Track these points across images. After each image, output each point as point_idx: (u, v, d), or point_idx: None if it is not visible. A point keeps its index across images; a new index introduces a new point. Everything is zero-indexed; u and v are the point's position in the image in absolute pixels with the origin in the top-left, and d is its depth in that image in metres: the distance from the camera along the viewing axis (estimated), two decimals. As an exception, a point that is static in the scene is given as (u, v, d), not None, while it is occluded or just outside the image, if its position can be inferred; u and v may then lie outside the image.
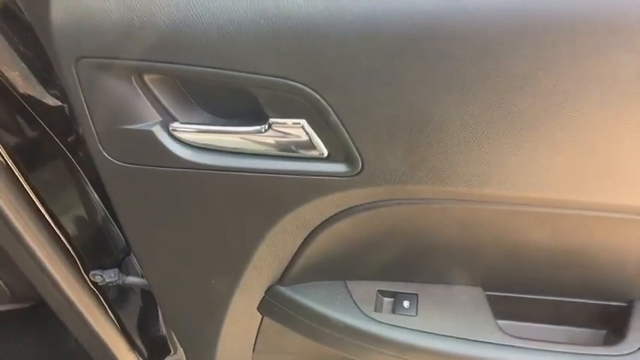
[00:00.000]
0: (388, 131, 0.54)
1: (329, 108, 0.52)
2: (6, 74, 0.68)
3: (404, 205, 0.63)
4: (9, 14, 0.63)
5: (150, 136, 0.58)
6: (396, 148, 0.55)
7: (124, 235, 0.92)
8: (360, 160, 0.57)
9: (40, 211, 0.81)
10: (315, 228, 0.69)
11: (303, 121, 0.55)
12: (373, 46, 0.49)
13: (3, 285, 1.27)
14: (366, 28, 0.48)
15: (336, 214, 0.66)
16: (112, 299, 1.01)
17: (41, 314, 1.33)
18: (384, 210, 0.64)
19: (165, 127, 0.59)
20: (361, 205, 0.64)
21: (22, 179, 0.76)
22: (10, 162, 0.73)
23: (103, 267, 0.95)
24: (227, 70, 0.52)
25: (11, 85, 0.69)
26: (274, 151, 0.59)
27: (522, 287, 0.77)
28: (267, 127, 0.57)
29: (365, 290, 0.80)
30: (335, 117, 0.53)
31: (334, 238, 0.70)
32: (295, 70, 0.51)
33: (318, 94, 0.52)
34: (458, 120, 0.52)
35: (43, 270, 0.86)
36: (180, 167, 0.61)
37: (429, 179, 0.57)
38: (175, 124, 0.59)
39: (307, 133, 0.56)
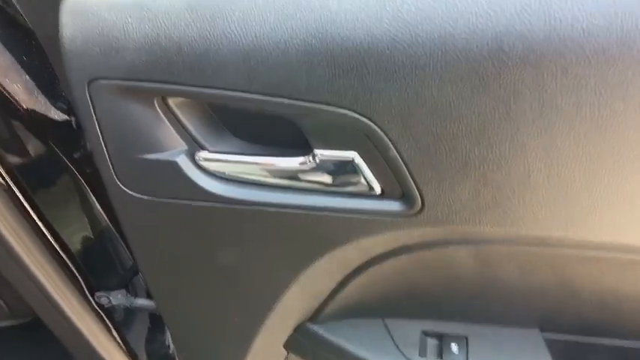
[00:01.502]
0: (457, 170, 0.47)
1: (388, 141, 0.45)
2: (7, 86, 0.62)
3: (463, 245, 0.57)
4: (10, 21, 0.57)
5: (173, 166, 0.52)
6: (465, 188, 0.48)
7: (132, 256, 0.88)
8: (419, 198, 0.50)
9: (40, 229, 0.76)
10: (357, 267, 0.62)
11: (355, 154, 0.49)
12: (447, 75, 0.42)
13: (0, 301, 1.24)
14: (439, 55, 0.41)
15: (382, 254, 0.60)
16: (119, 322, 0.96)
17: (43, 328, 1.30)
18: (439, 250, 0.58)
19: (191, 156, 0.52)
20: (414, 245, 0.57)
21: (20, 195, 0.71)
22: (7, 177, 0.68)
23: (110, 288, 0.90)
24: (267, 95, 0.45)
25: (13, 97, 0.64)
26: (317, 186, 0.52)
27: (584, 329, 0.71)
28: (310, 158, 0.50)
29: (407, 330, 0.73)
30: (395, 152, 0.46)
31: (377, 276, 0.64)
32: (349, 98, 0.44)
33: (377, 126, 0.45)
34: (539, 160, 0.45)
35: (42, 290, 0.81)
36: (207, 201, 0.54)
37: (499, 222, 0.51)
38: (203, 153, 0.52)
39: (358, 168, 0.49)
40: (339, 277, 0.64)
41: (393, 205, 0.52)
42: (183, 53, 0.44)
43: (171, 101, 0.49)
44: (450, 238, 0.55)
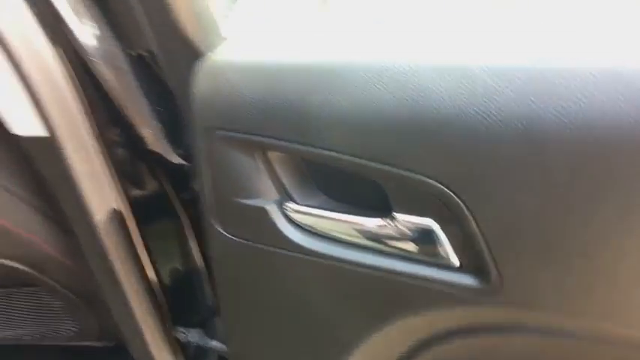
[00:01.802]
0: (539, 251, 0.46)
1: (469, 214, 0.47)
2: (140, 129, 0.73)
3: (538, 334, 0.54)
4: (152, 75, 0.67)
5: (263, 213, 0.57)
6: (547, 272, 0.47)
7: (216, 297, 0.93)
8: (497, 276, 0.49)
9: (141, 260, 0.84)
10: (424, 341, 0.61)
11: (433, 223, 0.50)
12: (534, 155, 0.43)
13: (94, 321, 1.33)
14: (527, 135, 0.42)
15: (452, 331, 0.58)
16: (190, 357, 1.00)
17: (123, 354, 1.37)
18: (513, 336, 0.56)
19: (280, 206, 0.57)
20: (486, 325, 0.56)
21: (132, 226, 0.79)
22: (124, 209, 0.77)
23: (188, 324, 0.95)
24: (358, 157, 0.49)
25: (143, 138, 0.74)
26: (394, 250, 0.54)
27: None
28: (390, 221, 0.53)
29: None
30: (474, 225, 0.47)
31: (444, 353, 0.62)
32: (433, 167, 0.46)
33: (458, 198, 0.46)
34: (631, 256, 0.43)
35: (132, 317, 0.87)
36: (288, 250, 0.58)
37: (582, 313, 0.48)
38: (291, 205, 0.57)
39: (437, 237, 0.51)
40: (403, 348, 0.63)
41: (470, 280, 0.51)
42: (288, 112, 0.50)
43: (270, 154, 0.55)
44: (525, 324, 0.53)
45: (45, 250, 0.84)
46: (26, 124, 0.61)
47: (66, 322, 1.02)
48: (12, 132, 0.63)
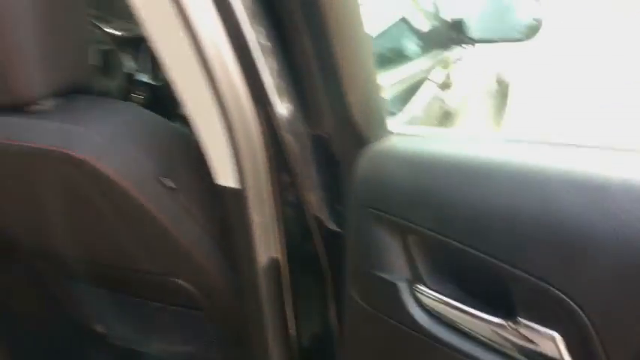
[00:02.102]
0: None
1: (593, 333, 0.46)
2: (305, 194, 0.85)
3: None
4: (323, 149, 0.80)
5: (394, 289, 0.63)
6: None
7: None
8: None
9: (286, 312, 0.93)
10: None
11: (557, 335, 0.50)
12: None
13: (239, 354, 1.44)
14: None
15: None
16: None
17: None
18: None
19: (411, 286, 0.62)
20: None
21: (285, 279, 0.90)
22: (283, 260, 0.88)
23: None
24: (491, 257, 0.53)
25: (305, 201, 0.86)
26: (515, 354, 0.54)
27: None
28: (512, 323, 0.54)
29: None
30: (599, 346, 0.46)
31: None
32: (558, 275, 0.48)
33: (584, 313, 0.47)
34: None
35: None
36: (412, 329, 0.63)
37: None
38: (421, 287, 0.62)
39: (559, 350, 0.50)
40: None
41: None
42: (432, 203, 0.57)
43: (409, 236, 0.61)
44: None
45: (214, 281, 0.99)
46: (224, 175, 0.78)
47: (214, 348, 1.15)
48: (215, 181, 0.80)
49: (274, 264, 0.85)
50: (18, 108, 0.77)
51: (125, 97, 1.31)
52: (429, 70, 1.83)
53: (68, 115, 0.77)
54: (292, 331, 0.95)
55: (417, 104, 1.62)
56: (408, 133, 0.67)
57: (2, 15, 0.70)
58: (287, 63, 0.72)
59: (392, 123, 0.68)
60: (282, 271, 0.87)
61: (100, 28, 1.95)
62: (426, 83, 1.77)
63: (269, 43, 0.70)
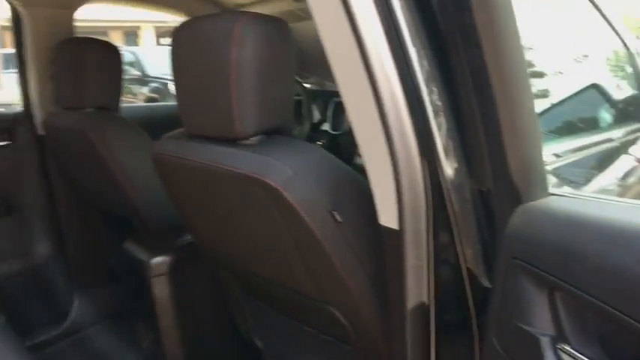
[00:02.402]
0: None
1: None
2: (464, 246, 0.89)
3: None
4: (481, 202, 0.84)
5: (536, 343, 0.64)
6: None
7: None
8: None
9: (429, 357, 0.96)
10: None
11: None
12: None
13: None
14: None
15: None
16: None
17: None
18: None
19: (554, 343, 0.63)
20: None
21: (432, 326, 0.93)
22: (432, 307, 0.92)
23: None
24: (637, 322, 0.52)
25: (463, 256, 0.89)
26: None
27: None
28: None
29: None
30: None
31: None
32: None
33: None
34: None
35: None
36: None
37: None
38: (565, 346, 0.62)
39: None
40: None
41: None
42: (583, 263, 0.58)
43: (557, 293, 0.63)
44: None
45: (365, 317, 1.07)
46: (386, 217, 0.87)
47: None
48: (378, 220, 0.89)
49: (423, 308, 0.90)
50: (231, 140, 0.98)
51: (309, 141, 1.51)
52: (625, 143, 1.73)
53: (268, 150, 0.96)
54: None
55: (610, 176, 1.54)
56: (567, 195, 0.69)
57: (232, 68, 0.92)
58: (455, 121, 0.80)
59: (570, 189, 0.71)
60: (430, 316, 0.91)
61: (299, 82, 2.27)
62: (622, 156, 1.67)
63: (441, 104, 0.79)
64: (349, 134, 2.14)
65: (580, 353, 0.61)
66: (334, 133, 2.26)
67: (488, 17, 0.71)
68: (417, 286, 0.87)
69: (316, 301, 1.12)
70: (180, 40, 1.04)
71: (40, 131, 1.97)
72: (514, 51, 0.74)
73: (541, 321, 0.64)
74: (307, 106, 2.34)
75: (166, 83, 8.30)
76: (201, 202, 1.19)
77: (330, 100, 2.30)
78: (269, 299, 1.35)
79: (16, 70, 1.99)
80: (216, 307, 1.53)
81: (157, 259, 1.45)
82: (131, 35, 18.86)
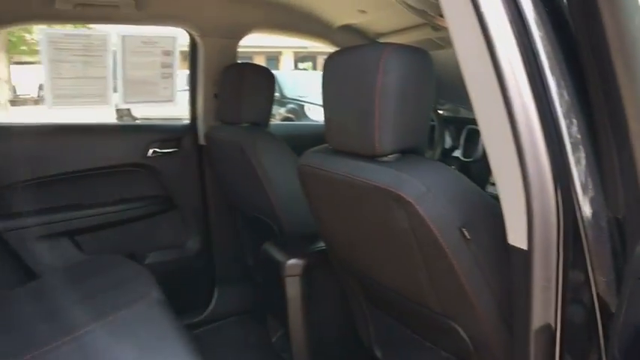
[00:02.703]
0: None
1: None
2: (596, 274, 0.89)
3: None
4: (613, 231, 0.84)
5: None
6: None
7: None
8: None
9: None
10: None
11: None
12: None
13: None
14: None
15: None
16: None
17: None
18: None
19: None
20: None
21: (558, 347, 0.93)
22: (560, 329, 0.92)
23: None
24: None
25: (595, 284, 0.89)
26: None
27: None
28: None
29: None
30: None
31: None
32: None
33: None
34: None
35: None
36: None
37: None
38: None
39: None
40: None
41: None
42: None
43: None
44: None
45: (487, 335, 1.10)
46: (515, 237, 0.91)
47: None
48: (507, 240, 0.94)
49: (549, 331, 0.91)
50: (370, 157, 1.10)
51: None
52: None
53: (403, 167, 1.06)
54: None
55: None
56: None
57: (376, 93, 1.04)
58: (592, 150, 0.83)
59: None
60: (555, 338, 0.92)
61: (435, 109, 2.35)
62: None
63: (576, 132, 0.82)
64: (481, 162, 2.15)
65: None
66: (466, 160, 2.29)
67: (623, 48, 0.74)
68: (544, 308, 0.89)
69: (439, 315, 1.18)
70: (332, 67, 1.19)
71: (202, 141, 2.30)
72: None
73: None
74: (440, 132, 2.40)
75: (302, 105, 8.84)
76: (338, 211, 1.32)
77: (464, 127, 2.34)
78: (392, 310, 1.43)
79: (187, 89, 2.34)
80: (342, 313, 1.64)
81: (292, 261, 1.61)
82: (272, 60, 20.34)
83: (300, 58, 20.54)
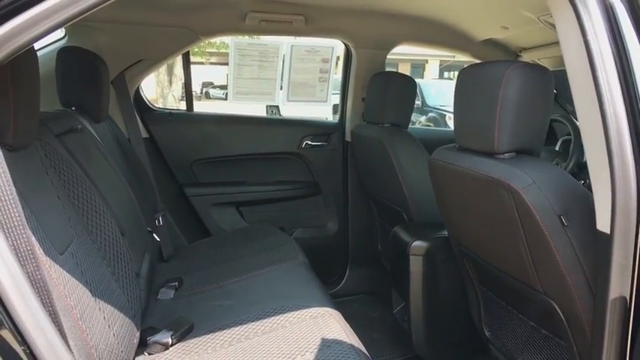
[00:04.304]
0: None
1: None
2: None
3: None
4: None
5: None
6: None
7: None
8: None
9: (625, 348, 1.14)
10: None
11: None
12: None
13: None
14: None
15: None
16: None
17: None
18: None
19: None
20: None
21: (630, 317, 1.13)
22: (631, 302, 1.11)
23: None
24: None
25: None
26: None
27: None
28: None
29: None
30: None
31: None
32: None
33: None
34: None
35: None
36: None
37: None
38: None
39: None
40: None
41: None
42: None
43: None
44: None
45: (579, 313, 1.27)
46: (603, 224, 1.12)
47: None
48: (596, 226, 1.15)
49: (623, 302, 1.11)
50: (489, 154, 1.39)
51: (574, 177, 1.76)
52: None
53: (516, 163, 1.32)
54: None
55: None
56: None
57: (498, 102, 1.32)
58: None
59: None
60: (629, 307, 1.12)
61: (572, 122, 2.47)
62: None
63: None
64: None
65: None
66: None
67: None
68: (620, 282, 1.10)
69: (538, 292, 1.41)
70: (464, 79, 1.50)
71: (347, 138, 2.72)
72: None
73: None
74: (577, 145, 2.51)
75: (443, 114, 8.95)
76: (460, 200, 1.61)
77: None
78: (500, 291, 1.68)
79: (339, 92, 2.79)
80: (457, 294, 1.92)
81: (417, 242, 1.93)
82: (418, 67, 20.50)
83: (445, 67, 20.40)
